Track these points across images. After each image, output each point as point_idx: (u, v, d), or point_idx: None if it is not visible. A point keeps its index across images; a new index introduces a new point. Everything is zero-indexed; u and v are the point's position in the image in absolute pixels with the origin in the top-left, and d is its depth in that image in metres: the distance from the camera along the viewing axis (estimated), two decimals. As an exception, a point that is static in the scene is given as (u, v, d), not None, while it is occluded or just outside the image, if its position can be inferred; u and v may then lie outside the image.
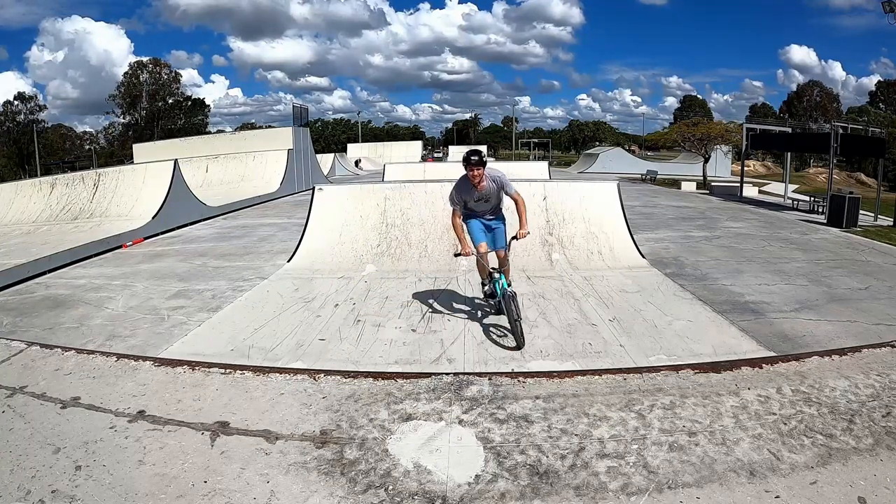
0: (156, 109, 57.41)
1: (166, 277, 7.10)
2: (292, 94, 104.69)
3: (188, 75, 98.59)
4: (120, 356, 4.23)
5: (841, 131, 15.02)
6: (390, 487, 2.66)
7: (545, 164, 19.80)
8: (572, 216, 7.71)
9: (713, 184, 21.85)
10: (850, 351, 4.17)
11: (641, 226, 10.45)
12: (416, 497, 2.59)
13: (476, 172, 4.48)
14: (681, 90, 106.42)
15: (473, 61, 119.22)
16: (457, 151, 41.54)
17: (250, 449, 2.97)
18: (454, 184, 4.78)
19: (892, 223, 11.69)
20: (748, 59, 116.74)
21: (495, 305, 5.08)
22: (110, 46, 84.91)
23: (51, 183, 12.69)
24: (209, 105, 66.95)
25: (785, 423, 3.13)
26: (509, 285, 4.62)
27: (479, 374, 3.85)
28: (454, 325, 4.96)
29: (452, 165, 15.33)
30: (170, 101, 59.28)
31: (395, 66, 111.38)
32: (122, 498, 2.59)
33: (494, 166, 4.96)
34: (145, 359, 4.20)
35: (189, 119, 60.59)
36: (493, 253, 4.85)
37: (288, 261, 7.60)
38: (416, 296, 5.90)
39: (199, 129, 56.55)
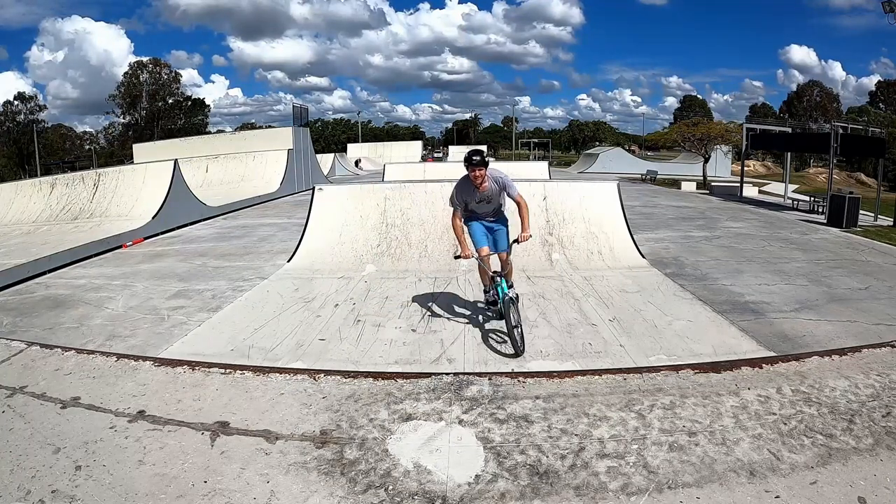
0: (156, 109, 57.42)
1: (166, 277, 7.10)
2: (292, 94, 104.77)
3: (188, 75, 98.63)
4: (120, 356, 4.23)
5: (841, 131, 15.03)
6: (390, 487, 2.66)
7: (545, 164, 19.80)
8: (572, 216, 7.71)
9: (713, 184, 21.85)
10: (850, 351, 4.17)
11: (641, 226, 10.45)
12: (416, 497, 2.59)
13: (478, 173, 4.37)
14: (681, 90, 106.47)
15: (473, 61, 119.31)
16: (457, 151, 41.55)
17: (250, 449, 2.97)
18: (455, 184, 4.67)
19: (892, 223, 11.69)
20: (748, 59, 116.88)
21: (497, 312, 4.95)
22: (110, 46, 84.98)
23: (51, 183, 12.69)
24: (209, 105, 67.08)
25: (785, 423, 3.13)
26: (511, 287, 4.53)
27: (479, 374, 3.85)
28: (454, 325, 4.96)
29: (452, 165, 15.34)
30: (170, 101, 59.30)
31: (395, 66, 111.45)
32: (122, 498, 2.59)
33: (495, 166, 4.87)
34: (145, 359, 4.20)
35: (189, 119, 60.60)
36: (496, 256, 4.73)
37: (288, 261, 7.60)
38: (416, 296, 5.90)
39: (199, 129, 56.56)
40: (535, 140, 72.74)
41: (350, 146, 50.49)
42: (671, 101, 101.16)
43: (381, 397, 3.53)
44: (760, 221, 11.92)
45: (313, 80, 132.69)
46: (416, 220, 7.69)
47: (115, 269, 7.73)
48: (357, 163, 40.14)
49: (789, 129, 20.98)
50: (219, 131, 58.44)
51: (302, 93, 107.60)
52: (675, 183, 24.16)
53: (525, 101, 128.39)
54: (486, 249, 4.62)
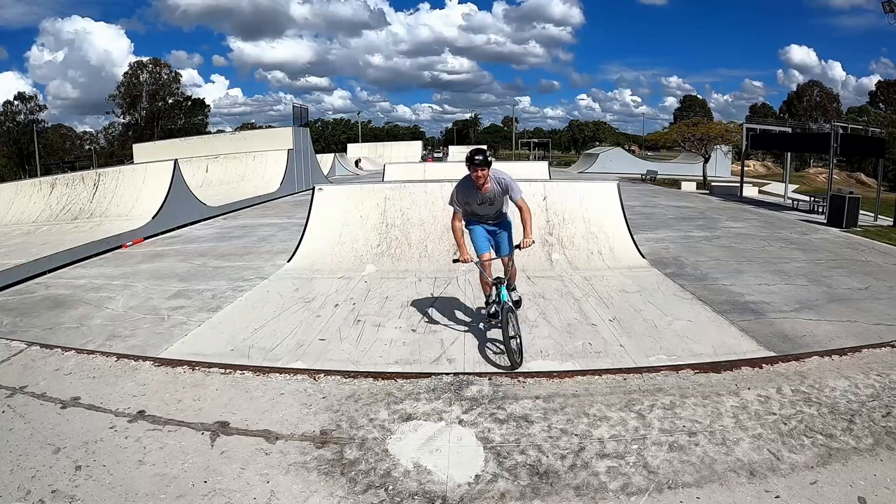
0: (156, 109, 57.42)
1: (166, 277, 7.10)
2: (292, 94, 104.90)
3: (188, 75, 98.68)
4: (120, 356, 4.23)
5: (841, 131, 15.03)
6: (390, 487, 2.66)
7: (545, 164, 19.80)
8: (572, 216, 7.71)
9: (713, 184, 21.85)
10: (850, 351, 4.17)
11: (641, 226, 10.45)
12: (416, 497, 2.58)
13: (480, 173, 4.14)
14: (681, 90, 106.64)
15: (473, 61, 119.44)
16: (457, 151, 41.51)
17: (250, 449, 2.97)
18: (455, 185, 4.45)
19: (892, 223, 11.69)
20: (748, 59, 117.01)
21: (496, 325, 4.51)
22: (110, 46, 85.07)
23: (51, 183, 12.69)
24: (209, 105, 67.07)
25: (785, 423, 3.13)
26: (514, 289, 4.32)
27: (479, 374, 3.85)
28: (454, 325, 4.96)
29: (452, 165, 15.35)
30: (170, 101, 59.30)
31: (395, 66, 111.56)
32: (122, 498, 2.59)
33: (498, 167, 4.65)
34: (145, 359, 4.19)
35: (189, 119, 60.61)
36: (497, 261, 4.54)
37: (288, 261, 7.60)
38: (416, 296, 5.90)
39: (199, 129, 56.57)
40: (535, 140, 72.76)
41: (350, 146, 50.49)
42: (671, 101, 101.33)
43: (381, 397, 3.53)
44: (760, 221, 11.92)
45: (313, 80, 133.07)
46: (416, 220, 7.69)
47: (115, 269, 7.73)
48: (357, 163, 40.14)
49: (789, 129, 20.97)
50: (219, 131, 58.53)
51: (302, 93, 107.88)
52: (675, 183, 24.15)
53: (525, 101, 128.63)
54: (487, 255, 4.41)
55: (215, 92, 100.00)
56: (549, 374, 3.82)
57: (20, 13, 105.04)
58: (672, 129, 33.60)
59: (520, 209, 4.28)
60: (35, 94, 55.68)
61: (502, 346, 4.19)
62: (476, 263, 4.42)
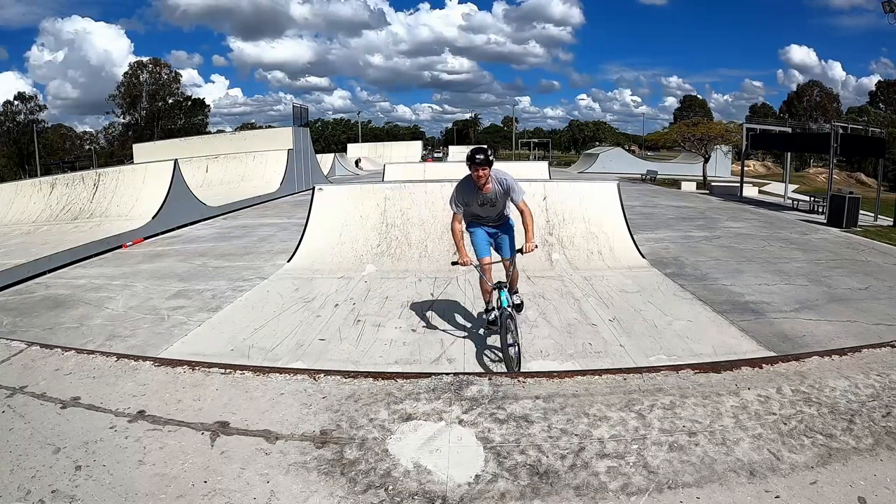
0: (156, 109, 57.45)
1: (166, 277, 7.10)
2: (292, 94, 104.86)
3: (188, 75, 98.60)
4: (120, 356, 4.22)
5: (841, 131, 15.04)
6: (390, 487, 2.66)
7: (545, 164, 19.81)
8: (572, 216, 7.71)
9: (713, 184, 21.86)
10: (850, 351, 4.16)
11: (641, 226, 10.45)
12: (416, 497, 2.58)
13: (481, 173, 3.98)
14: (681, 90, 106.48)
15: (473, 61, 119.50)
16: (457, 151, 41.51)
17: (250, 449, 2.97)
18: (455, 185, 4.28)
19: (892, 223, 11.69)
20: (748, 59, 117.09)
21: (496, 332, 4.34)
22: (110, 46, 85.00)
23: (51, 183, 12.70)
24: (209, 105, 67.16)
25: (785, 423, 3.13)
26: (516, 293, 4.23)
27: (480, 374, 3.84)
28: (454, 325, 4.96)
29: (452, 165, 15.35)
30: (170, 101, 59.35)
31: (395, 66, 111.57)
32: (122, 498, 2.59)
33: (499, 167, 4.49)
34: (145, 359, 4.18)
35: (189, 119, 60.64)
36: (499, 264, 4.38)
37: (288, 261, 7.60)
38: (416, 296, 5.90)
39: (199, 129, 56.60)
40: (535, 140, 72.78)
41: (350, 146, 50.53)
42: (671, 101, 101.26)
43: (381, 397, 3.53)
44: (760, 221, 11.92)
45: (313, 80, 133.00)
46: (416, 220, 7.70)
47: (115, 269, 7.73)
48: (357, 163, 40.16)
49: (789, 129, 21.00)
50: (219, 131, 58.55)
51: (302, 93, 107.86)
52: (675, 183, 24.17)
53: (525, 101, 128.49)
54: (487, 259, 4.26)
55: (215, 92, 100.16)
56: (549, 374, 3.82)
57: (20, 13, 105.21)
58: (672, 129, 33.62)
59: (521, 212, 4.10)
60: (35, 94, 55.87)
61: (499, 356, 4.12)
62: (476, 267, 4.24)
